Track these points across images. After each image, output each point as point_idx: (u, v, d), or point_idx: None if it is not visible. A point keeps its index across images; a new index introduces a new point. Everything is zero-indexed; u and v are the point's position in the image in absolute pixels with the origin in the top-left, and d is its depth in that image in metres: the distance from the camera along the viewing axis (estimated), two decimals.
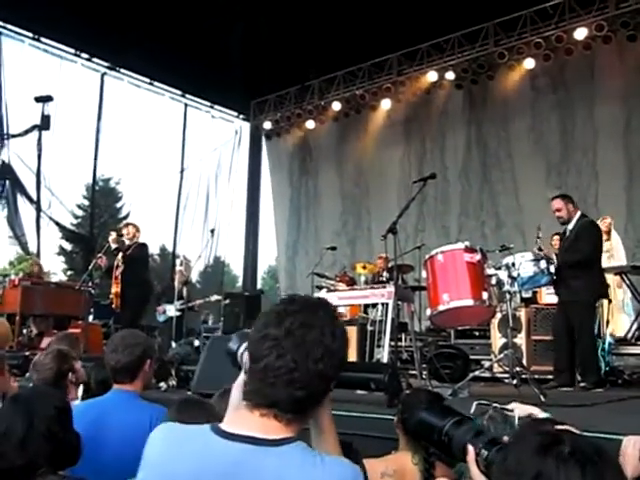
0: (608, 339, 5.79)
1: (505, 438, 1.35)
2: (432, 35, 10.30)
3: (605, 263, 6.58)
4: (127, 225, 7.57)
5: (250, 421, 1.20)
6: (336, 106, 11.72)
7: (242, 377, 1.42)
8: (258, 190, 14.31)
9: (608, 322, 5.90)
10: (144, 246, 7.50)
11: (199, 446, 1.21)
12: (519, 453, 1.08)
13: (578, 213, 5.34)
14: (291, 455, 1.17)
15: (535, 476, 1.02)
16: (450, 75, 10.41)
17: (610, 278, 6.53)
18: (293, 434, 1.21)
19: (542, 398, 3.83)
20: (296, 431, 1.22)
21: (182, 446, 1.22)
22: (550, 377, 5.83)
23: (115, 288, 7.21)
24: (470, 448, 1.35)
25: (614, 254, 6.96)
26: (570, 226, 5.29)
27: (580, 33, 9.13)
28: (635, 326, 6.31)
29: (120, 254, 7.25)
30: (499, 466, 1.13)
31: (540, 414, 1.73)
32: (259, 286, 16.28)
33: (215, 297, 8.93)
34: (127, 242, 7.38)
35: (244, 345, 1.50)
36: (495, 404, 2.09)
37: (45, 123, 9.19)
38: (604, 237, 6.81)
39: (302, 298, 1.30)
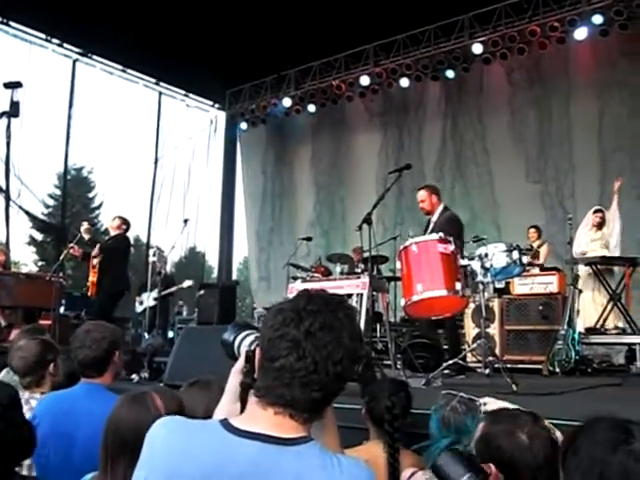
0: (578, 329, 5.90)
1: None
2: (408, 26, 10.30)
3: (597, 253, 6.71)
4: (115, 218, 7.47)
5: (264, 419, 1.16)
6: (312, 96, 11.66)
7: (240, 364, 1.40)
8: (233, 180, 14.19)
9: (579, 312, 5.99)
10: (125, 239, 7.41)
11: (211, 443, 1.14)
12: (590, 449, 1.05)
13: (441, 206, 5.48)
14: (309, 455, 1.14)
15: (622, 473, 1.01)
16: (425, 67, 10.43)
17: (581, 269, 6.64)
18: (307, 433, 1.18)
19: (514, 387, 3.87)
20: (309, 429, 1.20)
21: (190, 443, 1.15)
22: (522, 366, 5.92)
23: (92, 277, 7.12)
24: None
25: (609, 246, 6.95)
26: (433, 218, 5.43)
27: (553, 27, 9.21)
28: (604, 316, 6.43)
29: (98, 244, 7.17)
30: (570, 463, 1.09)
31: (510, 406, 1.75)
32: (234, 277, 16.18)
33: (187, 283, 8.85)
34: (112, 232, 7.34)
35: (241, 336, 1.48)
36: (461, 394, 2.11)
37: (14, 110, 8.88)
38: (593, 229, 6.89)
39: (321, 296, 1.23)
